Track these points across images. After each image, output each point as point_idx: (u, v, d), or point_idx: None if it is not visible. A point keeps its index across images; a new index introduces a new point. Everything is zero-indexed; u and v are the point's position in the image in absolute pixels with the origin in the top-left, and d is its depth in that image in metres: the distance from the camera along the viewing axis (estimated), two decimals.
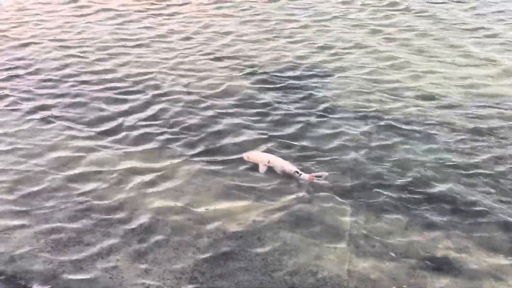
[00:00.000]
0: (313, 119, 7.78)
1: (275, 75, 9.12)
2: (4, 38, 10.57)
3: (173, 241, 5.54)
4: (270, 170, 6.57)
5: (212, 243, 5.52)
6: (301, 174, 6.39)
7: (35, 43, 10.29)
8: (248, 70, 9.28)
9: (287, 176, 6.46)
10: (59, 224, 5.73)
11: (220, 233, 5.65)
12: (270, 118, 7.80)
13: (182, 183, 6.39)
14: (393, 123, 7.69)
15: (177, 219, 5.84)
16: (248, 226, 5.75)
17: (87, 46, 10.16)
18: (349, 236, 5.62)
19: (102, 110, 7.98)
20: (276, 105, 8.13)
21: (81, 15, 11.85)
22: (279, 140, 7.21)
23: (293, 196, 6.20)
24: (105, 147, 7.07)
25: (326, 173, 6.43)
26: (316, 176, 6.36)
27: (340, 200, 6.14)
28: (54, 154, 6.90)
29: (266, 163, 6.57)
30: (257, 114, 7.91)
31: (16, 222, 5.76)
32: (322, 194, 6.23)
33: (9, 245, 5.46)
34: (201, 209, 5.98)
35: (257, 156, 6.72)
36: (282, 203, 6.11)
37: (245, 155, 6.76)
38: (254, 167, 6.60)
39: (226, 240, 5.55)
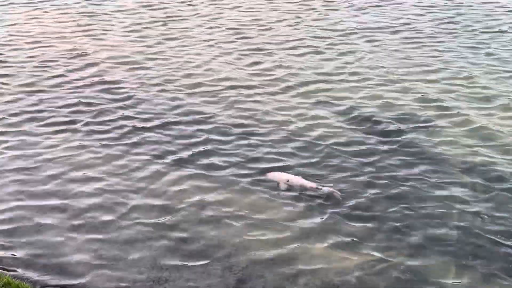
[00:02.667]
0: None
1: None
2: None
3: (269, 283, 5.45)
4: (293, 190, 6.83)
5: None
6: (321, 189, 6.85)
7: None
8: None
9: (306, 192, 6.82)
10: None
11: (317, 280, 5.50)
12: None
13: (278, 219, 6.33)
14: None
15: (274, 261, 5.74)
16: (346, 276, 5.57)
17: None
18: None
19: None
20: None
21: None
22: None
23: (394, 249, 5.95)
24: (191, 176, 7.12)
25: (338, 193, 6.80)
26: (336, 191, 6.81)
27: (444, 253, 5.87)
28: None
29: (285, 181, 6.98)
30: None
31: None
32: (427, 249, 5.96)
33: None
34: (297, 250, 5.87)
35: (276, 175, 7.15)
36: (382, 253, 5.88)
37: (266, 175, 7.17)
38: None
39: None
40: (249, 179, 7.05)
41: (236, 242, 5.95)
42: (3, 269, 5.46)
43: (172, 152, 7.59)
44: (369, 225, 6.29)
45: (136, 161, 7.36)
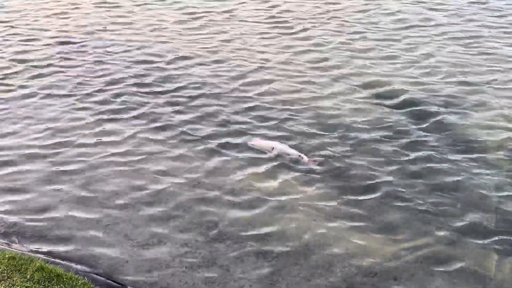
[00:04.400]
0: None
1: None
2: None
3: (304, 271, 5.31)
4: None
5: (345, 279, 5.23)
6: (302, 157, 6.91)
7: None
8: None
9: (292, 161, 6.85)
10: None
11: (353, 268, 5.35)
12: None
13: (310, 208, 6.15)
14: None
15: (308, 247, 5.61)
16: (383, 263, 5.41)
17: None
18: (494, 283, 5.15)
19: None
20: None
21: None
22: None
23: (432, 236, 5.76)
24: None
25: (322, 159, 6.91)
26: (314, 160, 6.90)
27: (483, 242, 5.66)
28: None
29: (270, 149, 7.01)
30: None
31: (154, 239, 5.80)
32: (465, 237, 5.77)
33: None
34: (334, 240, 5.72)
35: (262, 143, 7.19)
36: (419, 241, 5.70)
37: (250, 143, 7.22)
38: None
39: (360, 277, 5.25)
40: (272, 161, 6.91)
41: (268, 227, 5.82)
42: (36, 252, 5.42)
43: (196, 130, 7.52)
44: (404, 211, 6.08)
45: (166, 144, 7.32)
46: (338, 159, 6.94)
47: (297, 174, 6.65)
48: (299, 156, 6.94)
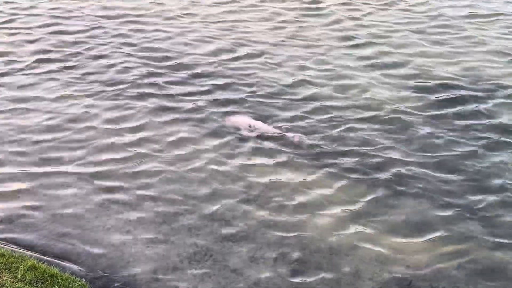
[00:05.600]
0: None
1: None
2: None
3: (329, 277, 4.69)
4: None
5: (374, 287, 4.60)
6: (284, 134, 6.48)
7: None
8: None
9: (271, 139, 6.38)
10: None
11: (385, 274, 4.71)
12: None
13: (335, 206, 5.50)
14: None
15: (333, 250, 4.98)
16: (418, 269, 4.76)
17: None
18: None
19: None
20: None
21: None
22: None
23: (473, 241, 5.09)
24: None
25: (304, 136, 6.48)
26: (300, 137, 6.45)
27: None
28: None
29: (248, 127, 6.60)
30: None
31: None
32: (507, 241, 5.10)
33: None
34: (361, 242, 5.07)
35: (239, 120, 6.73)
36: (461, 245, 5.04)
37: (226, 119, 6.79)
38: None
39: (392, 285, 4.61)
40: (287, 152, 6.25)
41: (287, 226, 5.20)
42: (28, 249, 4.86)
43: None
44: (443, 210, 5.43)
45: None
46: (369, 155, 6.23)
47: (318, 169, 5.99)
48: (280, 134, 6.51)
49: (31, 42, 8.69)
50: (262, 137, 6.47)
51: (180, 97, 7.29)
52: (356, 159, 6.13)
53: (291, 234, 5.10)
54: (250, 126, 6.64)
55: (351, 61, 8.33)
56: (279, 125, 6.70)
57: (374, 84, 7.66)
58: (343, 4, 10.45)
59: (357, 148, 6.33)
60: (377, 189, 5.70)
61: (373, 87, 7.58)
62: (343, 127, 6.69)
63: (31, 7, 9.91)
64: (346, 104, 7.18)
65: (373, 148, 6.32)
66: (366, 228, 5.19)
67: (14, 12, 9.69)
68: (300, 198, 5.56)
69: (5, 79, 7.65)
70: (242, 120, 6.77)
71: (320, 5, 10.35)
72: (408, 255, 4.91)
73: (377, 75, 7.95)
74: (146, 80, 7.64)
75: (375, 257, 4.87)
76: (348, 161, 6.09)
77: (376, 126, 6.73)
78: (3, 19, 9.41)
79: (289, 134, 6.51)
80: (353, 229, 5.18)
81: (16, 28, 9.13)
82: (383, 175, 5.87)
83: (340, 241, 5.04)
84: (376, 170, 5.96)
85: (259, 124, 6.69)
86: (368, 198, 5.59)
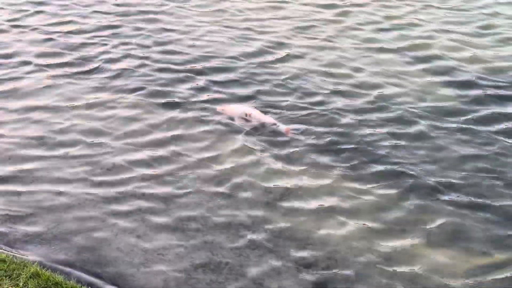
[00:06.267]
0: None
1: None
2: None
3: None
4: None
5: None
6: (278, 125, 6.23)
7: None
8: None
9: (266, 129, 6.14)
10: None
11: (418, 286, 4.32)
12: None
13: (361, 212, 5.12)
14: None
15: (361, 260, 4.58)
16: (454, 283, 4.36)
17: None
18: None
19: None
20: None
21: None
22: None
23: None
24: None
25: (302, 127, 6.24)
26: (293, 129, 6.20)
27: None
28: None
29: (243, 116, 6.33)
30: None
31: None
32: None
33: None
34: (392, 253, 4.66)
35: (234, 109, 6.47)
36: (502, 256, 4.62)
37: (219, 108, 6.54)
38: None
39: None
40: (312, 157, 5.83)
41: (310, 233, 4.81)
42: (31, 255, 4.54)
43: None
44: (479, 216, 5.02)
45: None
46: (397, 157, 5.83)
47: (344, 170, 5.60)
48: (274, 124, 6.23)
49: (43, 41, 8.34)
50: (260, 128, 6.16)
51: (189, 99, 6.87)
52: (385, 161, 5.74)
53: (316, 243, 4.71)
54: (246, 115, 6.34)
55: (365, 59, 7.97)
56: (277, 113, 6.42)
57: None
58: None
59: (385, 149, 5.93)
60: (409, 195, 5.29)
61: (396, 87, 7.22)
62: (370, 130, 6.29)
63: (40, 3, 9.57)
64: (371, 107, 6.78)
65: (404, 151, 5.92)
66: (395, 238, 4.79)
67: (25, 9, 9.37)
68: (324, 204, 5.18)
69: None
70: (237, 109, 6.47)
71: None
72: (443, 267, 4.50)
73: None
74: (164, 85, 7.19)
75: (408, 269, 4.46)
76: (376, 164, 5.69)
77: (402, 128, 6.35)
78: (19, 16, 9.10)
79: (281, 126, 6.19)
80: (381, 238, 4.78)
81: (25, 27, 8.82)
82: (414, 180, 5.46)
83: (369, 251, 4.65)
84: (406, 175, 5.54)
85: (254, 112, 6.38)
86: (401, 204, 5.18)
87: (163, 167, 5.63)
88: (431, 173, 5.57)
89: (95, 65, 7.55)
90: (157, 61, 7.73)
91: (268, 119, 6.34)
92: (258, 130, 6.22)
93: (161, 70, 7.51)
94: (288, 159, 5.80)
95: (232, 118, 6.35)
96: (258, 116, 6.36)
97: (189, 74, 7.37)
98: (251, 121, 6.30)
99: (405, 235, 4.83)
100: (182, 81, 7.23)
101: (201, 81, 7.20)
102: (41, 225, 4.90)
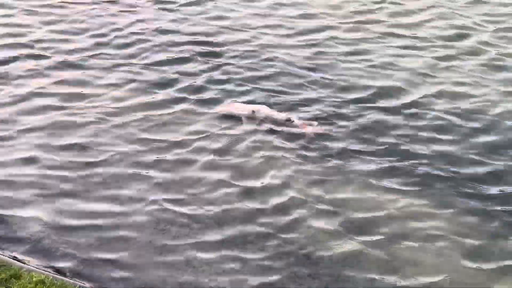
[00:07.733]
0: None
1: None
2: None
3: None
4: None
5: None
6: (293, 121, 5.75)
7: None
8: None
9: (275, 125, 5.71)
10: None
11: None
12: None
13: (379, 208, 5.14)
14: None
15: (372, 268, 4.60)
16: None
17: None
18: None
19: None
20: None
21: None
22: None
23: None
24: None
25: (316, 123, 5.78)
26: (309, 125, 5.76)
27: None
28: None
29: (250, 114, 5.80)
30: None
31: None
32: None
33: None
34: (406, 253, 4.69)
35: (239, 106, 5.95)
36: None
37: (222, 107, 5.99)
38: None
39: None
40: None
41: (321, 242, 4.76)
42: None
43: None
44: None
45: None
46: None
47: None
48: (288, 120, 5.78)
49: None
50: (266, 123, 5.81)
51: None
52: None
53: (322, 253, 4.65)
54: (253, 112, 5.89)
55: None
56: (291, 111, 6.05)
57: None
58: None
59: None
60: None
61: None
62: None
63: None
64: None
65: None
66: (414, 242, 4.81)
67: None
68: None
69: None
70: (243, 106, 5.99)
71: None
72: (463, 275, 4.54)
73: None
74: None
75: (424, 277, 4.52)
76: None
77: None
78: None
79: (298, 121, 5.77)
80: (397, 244, 4.79)
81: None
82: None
83: (383, 259, 4.66)
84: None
85: (263, 108, 5.97)
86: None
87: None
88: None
89: None
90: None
91: (279, 115, 5.86)
92: (270, 128, 5.80)
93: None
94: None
95: (235, 116, 5.95)
96: (266, 112, 5.91)
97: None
98: (260, 118, 5.86)
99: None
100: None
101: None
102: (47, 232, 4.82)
